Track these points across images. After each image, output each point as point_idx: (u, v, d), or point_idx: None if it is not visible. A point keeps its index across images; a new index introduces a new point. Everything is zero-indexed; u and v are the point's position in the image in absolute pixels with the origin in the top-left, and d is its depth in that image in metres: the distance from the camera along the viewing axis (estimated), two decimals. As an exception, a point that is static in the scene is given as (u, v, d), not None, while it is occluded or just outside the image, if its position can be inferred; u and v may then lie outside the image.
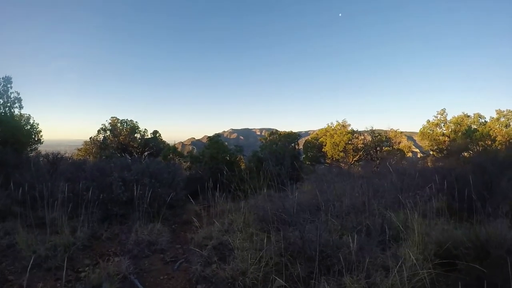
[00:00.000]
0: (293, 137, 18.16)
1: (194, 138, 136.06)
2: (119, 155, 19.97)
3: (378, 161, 21.66)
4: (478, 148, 15.48)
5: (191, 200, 8.53)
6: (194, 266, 4.62)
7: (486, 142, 16.38)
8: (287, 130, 19.00)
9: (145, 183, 6.92)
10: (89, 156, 20.27)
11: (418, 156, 27.35)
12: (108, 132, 21.83)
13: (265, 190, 8.66)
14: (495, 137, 17.72)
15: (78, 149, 21.68)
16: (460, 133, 19.06)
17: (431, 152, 23.08)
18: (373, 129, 22.79)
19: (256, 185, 8.99)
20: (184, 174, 11.43)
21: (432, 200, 6.59)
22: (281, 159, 12.33)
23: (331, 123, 21.88)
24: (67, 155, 12.48)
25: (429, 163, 17.78)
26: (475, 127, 18.75)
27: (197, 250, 4.87)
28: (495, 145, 16.29)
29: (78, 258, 5.19)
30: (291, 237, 5.09)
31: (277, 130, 18.97)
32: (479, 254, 4.66)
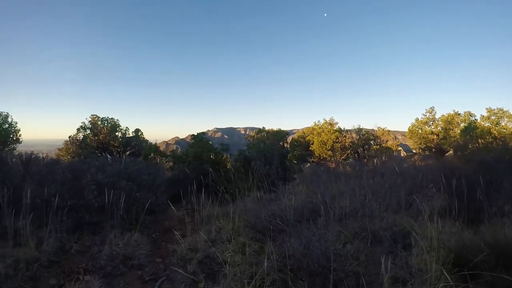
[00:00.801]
0: (281, 135, 17.58)
1: (178, 137, 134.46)
2: (99, 154, 19.15)
3: (366, 159, 21.54)
4: (478, 146, 15.10)
5: (174, 204, 7.84)
6: (177, 287, 3.91)
7: (486, 139, 16.05)
8: (274, 128, 18.45)
9: (121, 186, 6.12)
10: (69, 156, 19.37)
11: (402, 154, 27.35)
12: (88, 131, 20.96)
13: (255, 192, 8.03)
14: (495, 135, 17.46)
15: (59, 149, 20.83)
16: (459, 130, 18.81)
17: (414, 151, 23.02)
18: (360, 127, 22.61)
19: (244, 187, 8.35)
20: (166, 175, 10.65)
21: (437, 200, 6.12)
22: (269, 159, 11.69)
23: (318, 121, 21.59)
24: (42, 155, 11.46)
25: (422, 162, 17.50)
26: (475, 124, 18.55)
27: (180, 270, 4.13)
28: (496, 143, 15.98)
29: (43, 277, 4.40)
30: (290, 248, 4.44)
31: (264, 128, 18.34)
32: (500, 261, 4.14)
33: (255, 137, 17.57)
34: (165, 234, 6.31)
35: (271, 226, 5.11)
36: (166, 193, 7.69)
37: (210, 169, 7.72)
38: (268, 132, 17.92)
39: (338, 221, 5.56)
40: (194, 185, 6.69)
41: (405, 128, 24.04)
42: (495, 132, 17.62)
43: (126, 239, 5.13)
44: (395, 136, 25.81)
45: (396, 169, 6.60)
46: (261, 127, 18.36)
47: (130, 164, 7.56)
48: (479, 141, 15.67)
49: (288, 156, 16.23)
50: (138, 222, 5.86)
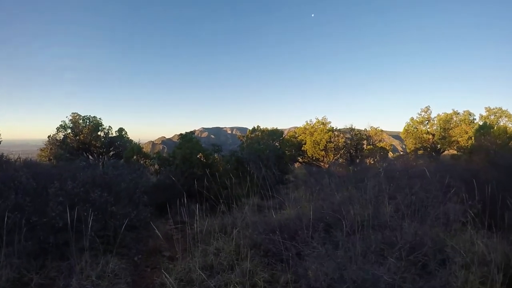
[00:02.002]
0: (278, 134, 16.56)
1: (164, 137, 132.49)
2: (81, 156, 17.83)
3: (358, 160, 20.93)
4: (496, 146, 14.25)
5: (160, 215, 6.76)
6: None
7: (503, 139, 15.27)
8: (268, 127, 17.50)
9: (94, 198, 4.92)
10: (50, 157, 18.02)
11: (389, 155, 27.11)
12: (69, 130, 19.57)
13: (253, 199, 7.05)
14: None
15: (41, 149, 19.49)
16: (473, 130, 18.15)
17: (402, 151, 22.46)
18: (353, 127, 22.01)
19: (241, 193, 7.36)
20: (151, 180, 9.43)
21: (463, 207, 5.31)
22: (265, 160, 10.66)
23: (310, 121, 20.93)
24: (13, 156, 10.16)
25: (415, 162, 16.89)
26: (490, 123, 18.01)
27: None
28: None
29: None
30: (312, 279, 3.45)
31: (259, 127, 17.33)
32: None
33: (249, 136, 16.50)
34: (149, 256, 5.09)
35: (283, 249, 4.09)
36: (151, 203, 6.50)
37: (207, 172, 6.72)
38: (263, 131, 16.90)
39: (357, 234, 4.64)
40: (183, 193, 5.63)
41: (392, 129, 23.80)
42: None
43: (100, 268, 4.01)
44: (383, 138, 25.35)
45: (427, 173, 5.66)
46: (255, 126, 17.38)
47: (109, 168, 6.40)
48: (497, 141, 14.86)
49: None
50: (116, 241, 4.74)
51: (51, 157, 17.14)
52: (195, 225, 5.14)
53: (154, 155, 12.44)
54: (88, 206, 4.63)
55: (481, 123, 19.02)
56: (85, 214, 4.28)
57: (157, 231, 4.23)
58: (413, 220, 4.88)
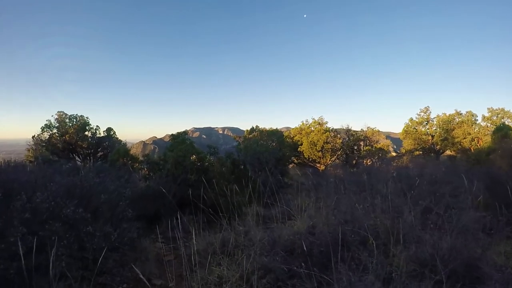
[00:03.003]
0: (278, 135, 15.71)
1: (156, 137, 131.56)
2: (64, 158, 16.80)
3: (355, 161, 20.33)
4: None
5: (149, 230, 5.91)
6: None
7: None
8: (266, 127, 16.71)
9: (67, 215, 3.96)
10: (31, 160, 16.95)
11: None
12: (55, 130, 18.46)
13: (257, 209, 6.23)
14: None
15: (28, 150, 18.63)
16: (492, 131, 17.63)
17: (394, 150, 22.04)
18: (349, 127, 21.45)
19: (241, 202, 6.56)
20: (140, 186, 8.37)
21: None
22: (265, 163, 9.85)
23: (306, 121, 20.42)
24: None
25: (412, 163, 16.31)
26: (509, 124, 17.51)
27: None
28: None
29: None
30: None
31: (258, 126, 16.49)
32: None
33: (247, 137, 15.62)
34: (137, 286, 4.14)
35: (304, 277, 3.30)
36: (138, 215, 5.47)
37: (203, 179, 5.90)
38: (262, 131, 16.07)
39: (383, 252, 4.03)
40: (175, 204, 4.78)
41: (383, 129, 23.43)
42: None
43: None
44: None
45: (466, 183, 4.93)
46: (254, 126, 16.52)
47: (89, 175, 5.46)
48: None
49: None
50: (96, 266, 3.81)
51: (31, 160, 16.09)
52: (190, 243, 4.25)
53: (144, 158, 11.31)
54: (58, 225, 3.72)
55: (483, 124, 18.65)
56: (53, 238, 3.38)
57: (146, 253, 3.39)
58: (445, 232, 4.25)
